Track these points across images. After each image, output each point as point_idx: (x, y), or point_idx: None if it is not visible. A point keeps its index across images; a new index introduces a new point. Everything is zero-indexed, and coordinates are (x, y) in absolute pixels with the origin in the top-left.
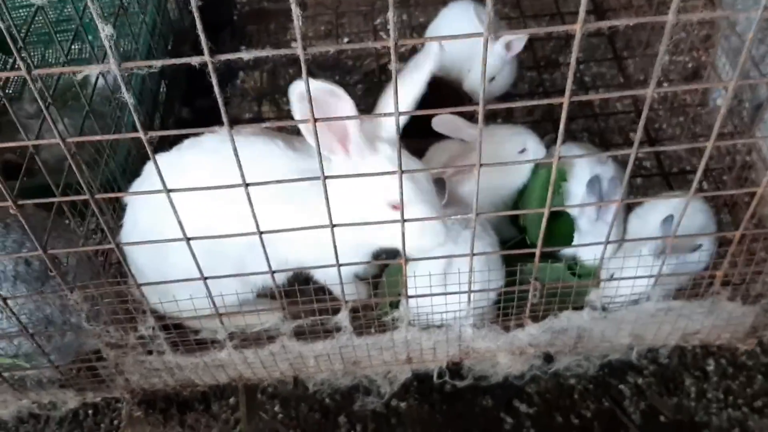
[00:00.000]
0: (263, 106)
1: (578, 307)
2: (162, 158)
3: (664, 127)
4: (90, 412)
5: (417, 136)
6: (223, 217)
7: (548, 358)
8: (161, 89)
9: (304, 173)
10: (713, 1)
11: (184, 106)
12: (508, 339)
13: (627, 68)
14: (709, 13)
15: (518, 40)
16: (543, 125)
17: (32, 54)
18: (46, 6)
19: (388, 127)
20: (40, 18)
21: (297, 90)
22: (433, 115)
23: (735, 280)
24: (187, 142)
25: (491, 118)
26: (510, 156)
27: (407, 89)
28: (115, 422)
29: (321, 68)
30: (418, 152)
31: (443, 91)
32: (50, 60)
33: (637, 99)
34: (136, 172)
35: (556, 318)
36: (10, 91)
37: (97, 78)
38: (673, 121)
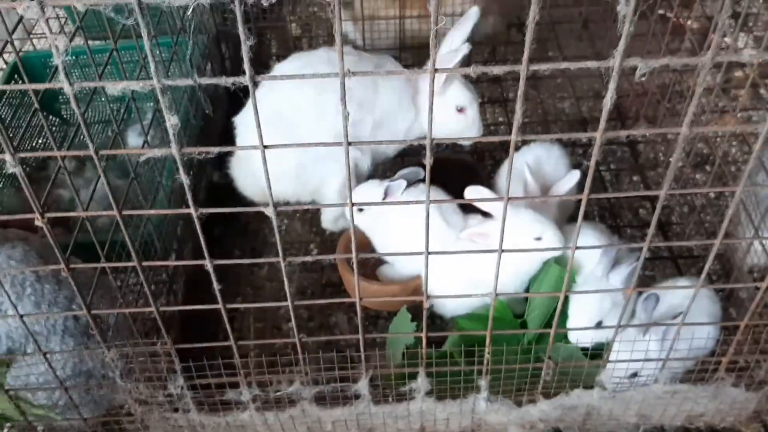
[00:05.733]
0: None
1: (588, 386)
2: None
3: (676, 209)
4: None
5: None
6: None
7: None
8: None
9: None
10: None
11: (215, 170)
12: (520, 413)
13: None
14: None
15: None
16: None
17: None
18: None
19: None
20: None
21: None
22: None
23: (740, 366)
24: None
25: None
26: (524, 241)
27: (454, 39)
28: None
29: None
30: None
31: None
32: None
33: (646, 177)
34: (171, 234)
35: (567, 396)
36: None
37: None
38: (685, 208)
